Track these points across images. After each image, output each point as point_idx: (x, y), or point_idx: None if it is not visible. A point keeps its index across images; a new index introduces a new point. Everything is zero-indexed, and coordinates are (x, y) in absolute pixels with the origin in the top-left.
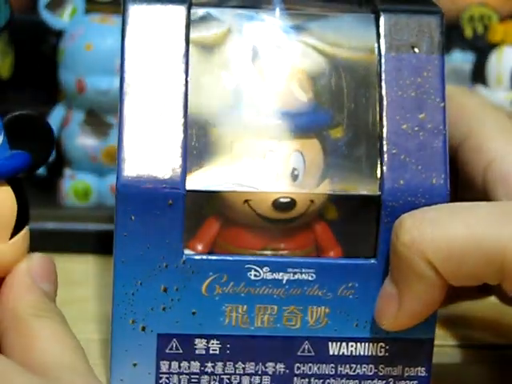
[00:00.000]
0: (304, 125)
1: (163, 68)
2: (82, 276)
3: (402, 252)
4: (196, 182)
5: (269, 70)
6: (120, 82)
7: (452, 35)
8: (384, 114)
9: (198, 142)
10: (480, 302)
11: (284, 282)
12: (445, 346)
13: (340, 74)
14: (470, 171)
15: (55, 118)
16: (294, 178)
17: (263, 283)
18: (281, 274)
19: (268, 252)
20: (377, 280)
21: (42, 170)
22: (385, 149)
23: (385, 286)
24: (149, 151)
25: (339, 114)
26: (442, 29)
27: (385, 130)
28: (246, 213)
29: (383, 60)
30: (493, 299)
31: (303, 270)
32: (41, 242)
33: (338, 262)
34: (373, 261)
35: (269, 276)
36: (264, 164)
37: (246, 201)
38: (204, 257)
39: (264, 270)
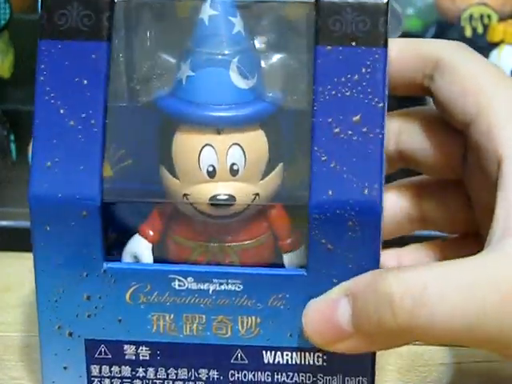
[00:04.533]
0: (244, 116)
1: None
2: None
3: (395, 330)
4: (114, 191)
5: (208, 55)
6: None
7: (452, 35)
8: (315, 115)
9: (124, 139)
10: None
11: (210, 292)
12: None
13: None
14: (482, 158)
15: None
16: (234, 172)
17: (189, 293)
18: (206, 284)
19: (215, 244)
20: (307, 292)
21: None
22: (313, 155)
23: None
24: (63, 160)
25: (288, 99)
26: (386, 18)
27: (315, 135)
28: (186, 207)
29: (317, 53)
30: None
31: (229, 281)
32: None
33: (265, 272)
34: (303, 272)
35: (194, 286)
36: (201, 159)
37: (185, 195)
38: (125, 266)
39: (188, 280)
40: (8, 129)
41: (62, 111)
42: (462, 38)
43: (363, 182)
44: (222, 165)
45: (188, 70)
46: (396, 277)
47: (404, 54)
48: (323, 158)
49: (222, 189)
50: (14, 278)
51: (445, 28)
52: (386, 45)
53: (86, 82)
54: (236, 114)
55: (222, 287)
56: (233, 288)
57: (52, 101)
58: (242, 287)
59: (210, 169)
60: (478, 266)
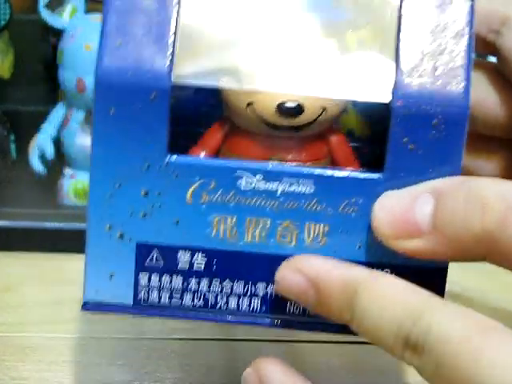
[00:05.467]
0: (322, 20)
1: None
2: (81, 276)
3: (478, 236)
4: (184, 75)
5: None
6: None
7: None
8: (401, 12)
9: (192, 31)
10: None
11: (278, 193)
12: None
13: None
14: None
15: (55, 117)
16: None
17: (255, 193)
18: (275, 183)
19: (273, 162)
20: None
21: (42, 170)
22: (400, 52)
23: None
24: (133, 39)
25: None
26: None
27: (401, 31)
28: (249, 118)
29: None
30: None
31: (301, 181)
32: (41, 242)
33: (339, 174)
34: (379, 175)
35: (262, 186)
36: (271, 59)
37: (249, 104)
38: (190, 160)
39: (257, 178)
40: (8, 129)
41: None
42: None
43: (451, 78)
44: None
45: None
46: (493, 182)
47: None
48: (410, 52)
49: (292, 95)
50: (14, 278)
51: None
52: None
53: None
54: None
55: (293, 188)
56: (303, 190)
57: None
58: (313, 189)
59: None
60: None
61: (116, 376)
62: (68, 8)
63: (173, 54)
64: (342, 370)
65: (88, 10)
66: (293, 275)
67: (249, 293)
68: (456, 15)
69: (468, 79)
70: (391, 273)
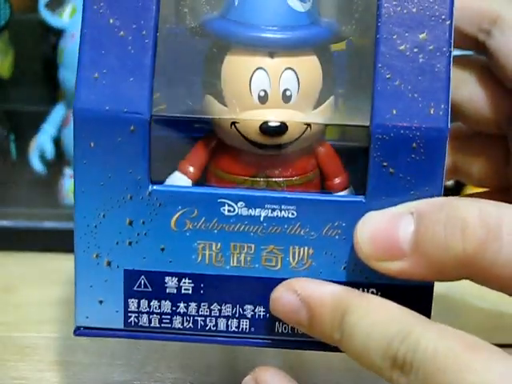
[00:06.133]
0: (300, 39)
1: None
2: None
3: (459, 258)
4: (163, 106)
5: None
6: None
7: None
8: (380, 32)
9: (174, 56)
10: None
11: (261, 218)
12: None
13: None
14: (504, 66)
15: (55, 117)
16: (287, 99)
17: (238, 219)
18: (258, 210)
19: (260, 179)
20: None
21: (42, 170)
22: (377, 73)
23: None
24: (110, 72)
25: (344, 27)
26: None
27: (379, 51)
28: (234, 136)
29: None
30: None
31: (283, 207)
32: (41, 242)
33: (321, 198)
34: (361, 199)
35: (244, 212)
36: (252, 83)
37: (233, 123)
38: (172, 188)
39: (239, 205)
40: (8, 129)
41: (111, 21)
42: None
43: (429, 101)
44: (275, 90)
45: None
46: (474, 204)
47: (459, 5)
48: (387, 76)
49: (274, 115)
50: (14, 279)
51: None
52: None
53: None
54: (290, 37)
55: (275, 213)
56: (286, 214)
57: (101, 10)
58: (295, 214)
59: (262, 94)
60: None
61: (116, 376)
62: (68, 8)
63: (150, 85)
64: (341, 370)
65: None
66: (287, 294)
67: (237, 314)
68: (435, 36)
69: (447, 101)
70: (377, 292)
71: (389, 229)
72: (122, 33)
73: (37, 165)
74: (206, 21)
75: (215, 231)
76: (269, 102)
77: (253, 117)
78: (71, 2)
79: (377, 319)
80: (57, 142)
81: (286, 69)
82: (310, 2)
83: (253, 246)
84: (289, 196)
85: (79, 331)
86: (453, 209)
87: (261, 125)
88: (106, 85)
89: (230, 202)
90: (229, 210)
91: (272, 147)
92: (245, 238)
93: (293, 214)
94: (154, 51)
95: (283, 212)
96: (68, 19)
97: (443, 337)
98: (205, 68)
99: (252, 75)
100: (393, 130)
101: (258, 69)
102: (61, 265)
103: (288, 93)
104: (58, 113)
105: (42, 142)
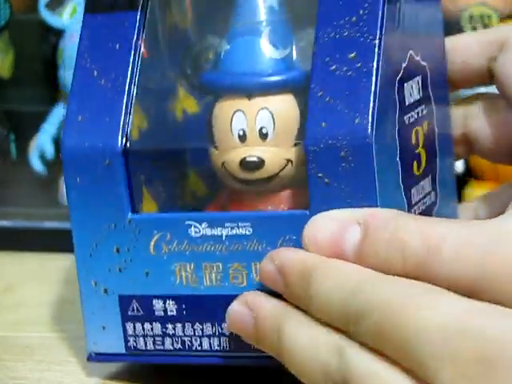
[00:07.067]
0: (272, 82)
1: (116, 41)
2: None
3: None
4: (139, 141)
5: (241, 27)
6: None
7: (452, 34)
8: (315, 58)
9: (157, 102)
10: None
11: (223, 237)
12: None
13: None
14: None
15: (55, 117)
16: (264, 136)
17: (204, 240)
18: (219, 229)
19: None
20: None
21: (42, 170)
22: (311, 93)
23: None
24: (91, 114)
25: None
26: None
27: (313, 74)
28: (225, 176)
29: (319, 2)
30: None
31: (240, 224)
32: (41, 242)
33: (272, 214)
34: (306, 212)
35: (208, 232)
36: (232, 124)
37: (223, 163)
38: (146, 215)
39: (203, 225)
40: (8, 129)
41: (95, 73)
42: None
43: (355, 112)
44: (252, 129)
45: (226, 44)
46: (417, 225)
47: (468, 41)
48: (319, 94)
49: (252, 151)
50: (14, 278)
51: (445, 28)
52: None
53: (117, 46)
54: (264, 81)
55: (234, 231)
56: (243, 232)
57: (88, 64)
58: (251, 230)
59: (241, 133)
60: (498, 225)
61: (116, 376)
62: (68, 8)
63: (124, 122)
64: None
65: None
66: (237, 307)
67: (217, 333)
68: (363, 55)
69: (372, 112)
70: None
71: (336, 235)
72: (102, 81)
73: (37, 165)
74: (201, 76)
75: (187, 253)
76: (248, 140)
77: (234, 155)
78: (71, 1)
79: (307, 343)
80: (57, 141)
81: (261, 109)
82: (287, 50)
83: (220, 264)
84: (244, 214)
85: (91, 357)
86: (397, 227)
87: (240, 161)
88: (87, 125)
89: (195, 224)
90: (195, 232)
91: (257, 183)
92: (212, 258)
93: (249, 230)
94: (128, 94)
95: (241, 229)
96: (68, 19)
97: (367, 358)
98: (206, 121)
99: (232, 117)
100: (322, 140)
101: (237, 111)
102: (60, 264)
103: (264, 130)
104: (58, 113)
105: (42, 142)
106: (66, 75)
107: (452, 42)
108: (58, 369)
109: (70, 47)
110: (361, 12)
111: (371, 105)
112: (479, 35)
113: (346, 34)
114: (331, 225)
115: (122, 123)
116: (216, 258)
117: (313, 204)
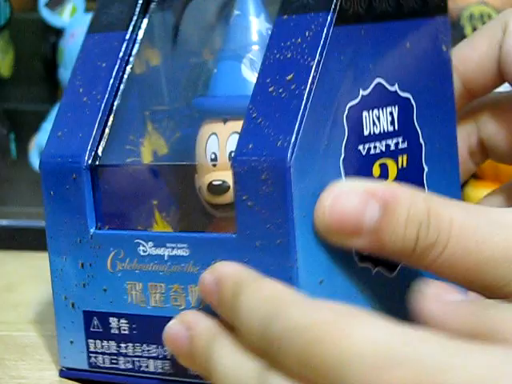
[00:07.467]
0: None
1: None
2: None
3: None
4: (107, 157)
5: (226, 52)
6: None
7: (452, 34)
8: (258, 79)
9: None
10: None
11: (166, 258)
12: None
13: None
14: None
15: None
16: None
17: (151, 259)
18: (162, 249)
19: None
20: (238, 256)
21: None
22: (247, 114)
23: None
24: (69, 130)
25: None
26: None
27: (252, 95)
28: (202, 200)
29: (275, 23)
30: None
31: (179, 245)
32: (41, 241)
33: (205, 236)
34: (233, 235)
35: (153, 251)
36: (207, 147)
37: (199, 188)
38: (106, 232)
39: (149, 244)
40: (8, 128)
41: (80, 90)
42: (462, 37)
43: (279, 134)
44: (223, 152)
45: (214, 68)
46: (426, 201)
47: (474, 42)
48: (253, 115)
49: (219, 175)
50: (15, 278)
51: None
52: (330, 8)
53: (104, 64)
54: (238, 104)
55: (174, 252)
56: (181, 253)
57: (77, 82)
58: (188, 252)
59: (213, 156)
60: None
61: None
62: (68, 7)
63: (94, 139)
64: None
65: (88, 9)
66: (175, 325)
67: (160, 356)
68: (299, 76)
69: (296, 134)
70: None
71: (357, 210)
72: (85, 98)
73: (37, 164)
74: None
75: (137, 271)
76: (218, 164)
77: (205, 179)
78: (71, 1)
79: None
80: None
81: (232, 133)
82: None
83: (163, 285)
84: (182, 235)
85: (63, 372)
86: (415, 205)
87: (207, 185)
88: (64, 141)
89: (143, 243)
90: (143, 250)
91: (223, 207)
92: (156, 278)
93: (186, 251)
94: (103, 111)
95: (179, 250)
96: (68, 18)
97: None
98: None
99: (207, 140)
100: (246, 163)
101: (212, 134)
102: None
103: (233, 154)
104: None
105: (42, 141)
106: (66, 74)
107: (458, 52)
108: (58, 368)
109: (70, 46)
110: (306, 34)
111: (296, 127)
112: (481, 31)
113: (289, 55)
114: (353, 199)
115: (92, 139)
116: (159, 278)
117: (239, 227)
